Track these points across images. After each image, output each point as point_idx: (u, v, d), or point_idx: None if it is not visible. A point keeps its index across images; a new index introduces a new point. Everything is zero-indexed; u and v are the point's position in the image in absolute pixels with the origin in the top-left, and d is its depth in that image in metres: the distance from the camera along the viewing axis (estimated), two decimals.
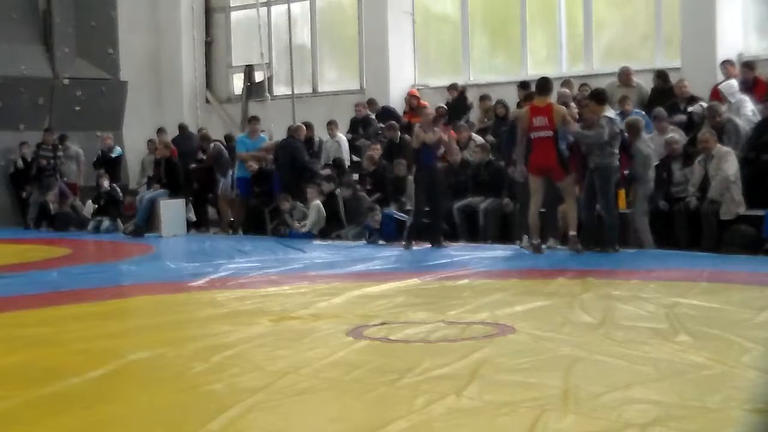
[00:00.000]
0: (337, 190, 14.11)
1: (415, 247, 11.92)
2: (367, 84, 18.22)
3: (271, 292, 8.53)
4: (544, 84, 11.11)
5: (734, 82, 12.51)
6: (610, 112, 11.22)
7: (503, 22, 17.56)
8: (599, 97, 11.09)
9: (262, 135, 16.05)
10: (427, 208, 12.13)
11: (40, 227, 17.84)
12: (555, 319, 6.61)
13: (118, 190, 17.58)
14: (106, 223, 16.82)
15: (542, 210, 11.39)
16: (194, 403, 4.70)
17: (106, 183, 17.35)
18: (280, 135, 16.66)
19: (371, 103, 16.84)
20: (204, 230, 16.17)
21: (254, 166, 15.30)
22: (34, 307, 7.99)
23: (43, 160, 18.11)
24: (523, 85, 14.47)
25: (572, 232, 10.77)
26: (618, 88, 13.74)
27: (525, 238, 11.43)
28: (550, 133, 10.77)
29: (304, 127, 15.66)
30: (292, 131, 15.43)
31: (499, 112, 14.52)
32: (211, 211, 16.86)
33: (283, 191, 14.78)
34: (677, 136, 11.70)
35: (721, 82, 12.87)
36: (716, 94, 12.76)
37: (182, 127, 18.19)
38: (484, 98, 15.30)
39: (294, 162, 14.95)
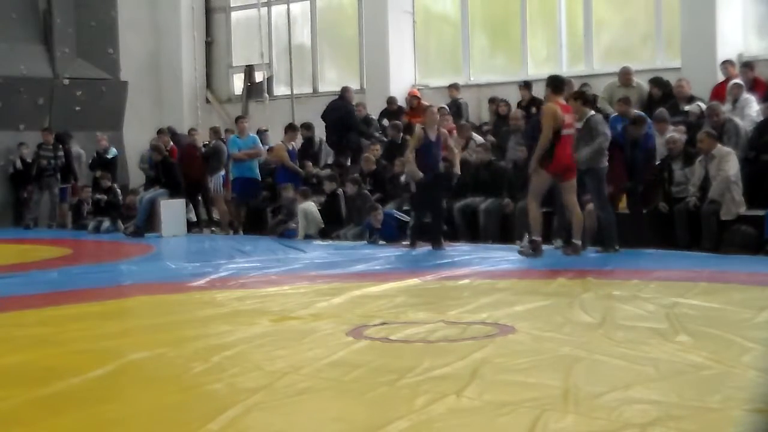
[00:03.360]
0: (339, 190, 14.13)
1: (420, 248, 11.83)
2: (367, 84, 18.21)
3: (271, 292, 8.53)
4: (562, 82, 10.96)
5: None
6: (590, 112, 11.22)
7: (503, 22, 17.56)
8: (584, 96, 11.12)
9: (251, 135, 16.05)
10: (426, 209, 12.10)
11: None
12: (555, 319, 6.61)
13: (118, 191, 17.59)
14: (106, 223, 16.82)
15: (548, 210, 11.43)
16: (194, 403, 4.70)
17: (107, 183, 17.37)
18: (278, 136, 16.67)
19: (391, 102, 16.68)
20: (198, 230, 16.18)
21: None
22: (34, 307, 7.99)
23: (43, 161, 18.11)
24: (527, 85, 14.54)
25: (577, 241, 10.69)
26: (618, 88, 13.74)
27: (526, 237, 11.45)
28: (574, 131, 10.70)
29: (353, 90, 16.32)
30: (343, 91, 15.87)
31: (501, 111, 14.53)
32: (203, 211, 16.87)
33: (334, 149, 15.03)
34: (677, 135, 11.68)
35: (721, 82, 12.89)
36: (716, 94, 12.77)
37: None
38: (493, 101, 15.24)
39: (343, 122, 15.05)
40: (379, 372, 5.11)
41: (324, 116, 16.02)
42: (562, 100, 10.74)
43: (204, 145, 16.68)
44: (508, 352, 5.56)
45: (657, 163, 11.70)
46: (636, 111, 12.14)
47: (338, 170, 14.90)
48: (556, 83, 10.82)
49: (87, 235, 16.41)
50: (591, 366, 5.17)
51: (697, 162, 11.14)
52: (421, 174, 11.68)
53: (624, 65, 14.00)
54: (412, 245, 11.93)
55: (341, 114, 15.48)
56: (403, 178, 13.41)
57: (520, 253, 10.78)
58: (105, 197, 17.20)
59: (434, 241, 11.87)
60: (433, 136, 11.81)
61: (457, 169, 12.46)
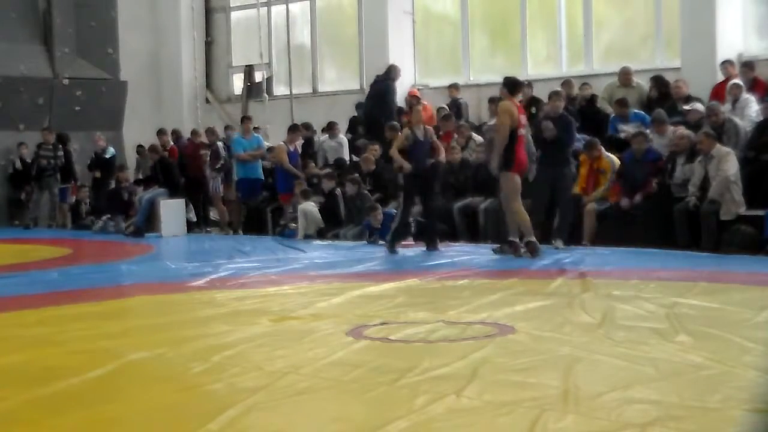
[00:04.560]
0: (337, 190, 14.13)
1: (402, 250, 11.65)
2: (367, 84, 18.20)
3: (271, 292, 8.53)
4: (519, 84, 10.97)
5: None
6: None
7: (503, 22, 17.56)
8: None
9: (255, 135, 16.09)
10: (419, 209, 12.03)
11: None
12: (555, 319, 6.61)
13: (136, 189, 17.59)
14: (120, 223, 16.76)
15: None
16: (194, 403, 4.70)
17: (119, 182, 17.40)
18: (277, 136, 16.67)
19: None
20: (199, 230, 16.18)
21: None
22: (34, 307, 7.98)
23: (43, 161, 18.11)
24: (527, 85, 14.53)
25: (515, 239, 10.81)
26: (618, 88, 13.75)
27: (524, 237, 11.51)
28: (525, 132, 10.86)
29: (400, 69, 16.11)
30: (388, 69, 15.82)
31: None
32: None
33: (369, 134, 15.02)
34: (686, 131, 11.65)
35: (721, 82, 12.89)
36: (716, 94, 12.77)
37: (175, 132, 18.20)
38: (493, 101, 15.17)
39: (381, 101, 15.06)
40: (378, 372, 5.11)
41: (367, 97, 16.00)
42: (516, 101, 10.83)
43: (207, 146, 16.67)
44: (508, 352, 5.56)
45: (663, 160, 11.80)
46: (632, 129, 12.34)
47: (338, 170, 14.91)
48: (512, 84, 10.84)
49: (95, 236, 16.35)
50: (591, 366, 5.16)
51: (696, 162, 11.14)
52: (409, 165, 11.53)
53: (624, 65, 14.01)
54: (393, 248, 11.56)
55: (380, 88, 15.53)
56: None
57: (496, 251, 10.84)
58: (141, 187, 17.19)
59: (429, 241, 11.78)
60: (420, 135, 11.76)
61: (442, 158, 12.23)
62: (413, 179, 11.70)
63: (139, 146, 18.42)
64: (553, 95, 11.80)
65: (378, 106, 15.46)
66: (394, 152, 11.87)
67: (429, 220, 11.91)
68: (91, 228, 17.09)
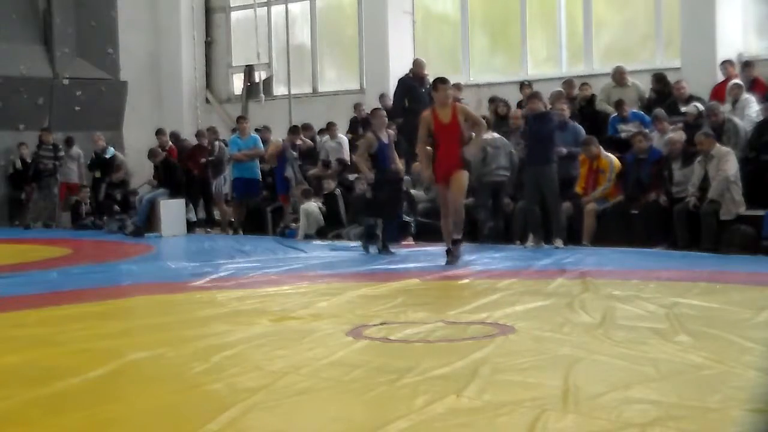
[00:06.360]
0: (337, 190, 14.13)
1: (401, 250, 11.67)
2: (367, 84, 18.22)
3: (271, 292, 8.53)
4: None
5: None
6: None
7: (503, 22, 17.57)
8: None
9: (253, 135, 16.10)
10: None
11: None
12: (555, 319, 6.61)
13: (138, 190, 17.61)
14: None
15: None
16: (194, 403, 4.69)
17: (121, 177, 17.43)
18: (277, 136, 16.67)
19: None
20: (201, 230, 16.19)
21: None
22: (34, 307, 7.98)
23: (47, 161, 18.12)
24: (528, 85, 14.58)
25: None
26: (614, 88, 13.75)
27: (531, 237, 11.58)
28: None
29: (424, 63, 15.56)
30: (414, 65, 15.54)
31: (501, 111, 14.51)
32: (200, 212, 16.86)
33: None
34: (676, 135, 11.69)
35: (721, 82, 12.89)
36: (716, 94, 12.77)
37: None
38: (493, 101, 15.14)
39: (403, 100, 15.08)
40: (379, 372, 5.11)
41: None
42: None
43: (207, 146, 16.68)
44: (508, 352, 5.55)
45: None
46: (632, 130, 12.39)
47: (341, 167, 14.91)
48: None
49: (96, 236, 16.33)
50: (591, 366, 5.16)
51: (696, 162, 11.14)
52: (372, 174, 11.51)
53: (618, 65, 14.00)
54: (384, 249, 11.55)
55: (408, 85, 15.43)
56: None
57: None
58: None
59: (383, 244, 11.64)
60: (385, 138, 11.67)
61: (402, 173, 12.20)
62: (382, 184, 11.56)
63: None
64: (532, 97, 11.91)
65: (399, 104, 15.43)
66: (358, 160, 11.87)
67: (388, 223, 11.70)
68: (103, 228, 17.01)
